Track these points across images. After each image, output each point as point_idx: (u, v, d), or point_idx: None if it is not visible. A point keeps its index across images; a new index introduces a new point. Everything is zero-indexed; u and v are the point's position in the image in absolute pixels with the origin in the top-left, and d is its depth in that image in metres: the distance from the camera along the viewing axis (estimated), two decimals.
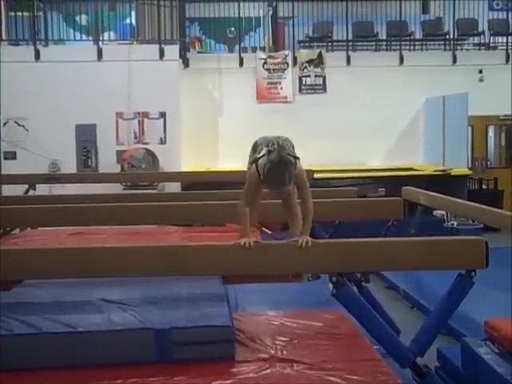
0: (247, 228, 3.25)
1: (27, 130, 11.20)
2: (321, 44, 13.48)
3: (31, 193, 8.03)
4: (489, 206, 5.29)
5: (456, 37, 13.24)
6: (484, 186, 12.55)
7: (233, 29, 13.57)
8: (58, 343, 3.43)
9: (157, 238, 6.60)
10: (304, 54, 12.78)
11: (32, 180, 8.15)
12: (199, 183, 9.26)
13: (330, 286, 3.10)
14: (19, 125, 11.19)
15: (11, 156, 11.12)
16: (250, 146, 3.36)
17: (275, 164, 3.02)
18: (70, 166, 11.11)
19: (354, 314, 3.26)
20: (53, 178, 8.60)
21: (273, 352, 3.76)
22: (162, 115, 11.46)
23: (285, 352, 3.76)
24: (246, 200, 3.27)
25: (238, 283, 5.22)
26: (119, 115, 11.41)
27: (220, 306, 3.85)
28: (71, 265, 3.09)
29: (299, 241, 3.11)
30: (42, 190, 8.52)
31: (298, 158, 3.21)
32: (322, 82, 12.62)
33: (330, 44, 13.56)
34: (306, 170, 7.88)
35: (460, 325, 5.24)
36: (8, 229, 5.90)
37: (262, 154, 3.18)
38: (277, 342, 3.92)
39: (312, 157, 10.57)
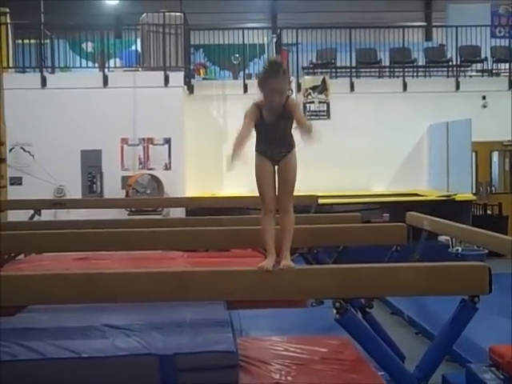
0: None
1: (33, 156, 11.27)
2: (324, 71, 13.58)
3: (36, 218, 8.05)
4: (493, 231, 5.28)
5: (459, 63, 13.33)
6: (489, 212, 12.54)
7: (237, 55, 13.69)
8: (62, 369, 3.42)
9: (161, 264, 6.59)
10: (308, 81, 12.87)
11: (37, 205, 8.17)
12: (204, 209, 9.28)
13: (334, 311, 3.10)
14: (25, 151, 11.27)
15: (17, 181, 11.17)
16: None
17: (271, 60, 3.17)
18: (75, 191, 11.16)
19: (358, 340, 3.26)
20: (58, 203, 8.64)
21: (277, 378, 3.74)
22: (167, 141, 11.52)
23: (289, 378, 3.74)
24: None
25: (243, 308, 5.21)
26: (124, 141, 11.48)
27: (224, 332, 3.84)
28: (76, 290, 3.10)
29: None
30: (47, 215, 8.55)
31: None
32: (325, 109, 12.69)
33: (333, 71, 13.67)
34: (311, 196, 7.90)
35: (465, 351, 5.21)
36: (12, 254, 5.91)
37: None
38: (281, 368, 3.90)
39: (316, 182, 10.62)
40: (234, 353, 3.56)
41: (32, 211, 8.14)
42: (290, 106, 3.12)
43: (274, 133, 3.15)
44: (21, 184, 11.17)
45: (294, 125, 3.15)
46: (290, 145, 3.19)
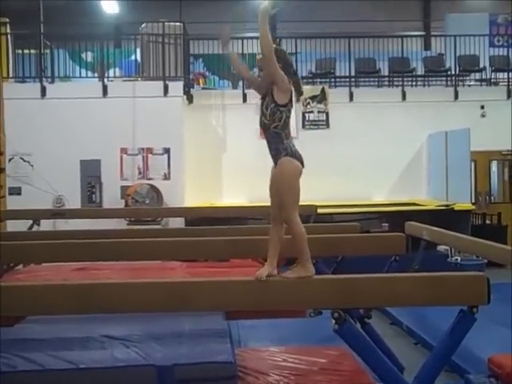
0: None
1: (32, 166, 11.27)
2: (324, 80, 13.60)
3: (35, 228, 8.05)
4: (493, 241, 5.29)
5: (458, 73, 13.35)
6: (488, 221, 12.52)
7: None
8: (60, 380, 3.42)
9: (160, 274, 6.59)
10: (307, 90, 12.87)
11: (36, 215, 8.17)
12: (203, 218, 9.28)
13: (333, 321, 3.10)
14: (24, 160, 11.27)
15: (16, 191, 11.15)
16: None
17: None
18: (74, 201, 11.15)
19: (357, 350, 3.26)
20: (57, 213, 8.63)
21: None
22: (166, 151, 11.53)
23: None
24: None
25: (241, 319, 5.20)
26: (124, 151, 11.49)
27: (222, 342, 3.84)
28: (74, 301, 3.10)
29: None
30: (46, 225, 8.54)
31: None
32: (325, 118, 12.71)
33: (332, 80, 13.69)
34: (310, 205, 7.87)
35: (464, 361, 5.19)
36: (12, 264, 5.92)
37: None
38: (280, 379, 3.90)
39: (315, 192, 10.61)
40: (233, 363, 3.56)
41: (31, 221, 8.14)
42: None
43: (262, 111, 3.36)
44: (20, 194, 11.15)
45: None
46: (276, 149, 3.21)
